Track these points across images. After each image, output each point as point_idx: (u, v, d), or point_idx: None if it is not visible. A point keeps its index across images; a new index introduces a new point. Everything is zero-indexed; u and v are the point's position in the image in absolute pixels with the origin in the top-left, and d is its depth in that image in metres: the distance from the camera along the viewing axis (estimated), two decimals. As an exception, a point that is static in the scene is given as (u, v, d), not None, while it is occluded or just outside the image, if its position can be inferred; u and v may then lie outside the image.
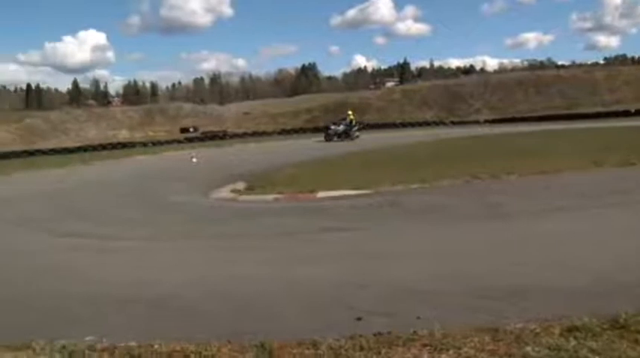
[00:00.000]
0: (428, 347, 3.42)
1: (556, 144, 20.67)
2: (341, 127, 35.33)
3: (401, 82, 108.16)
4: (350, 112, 37.05)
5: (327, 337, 3.67)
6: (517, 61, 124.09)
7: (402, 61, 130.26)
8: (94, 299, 5.40)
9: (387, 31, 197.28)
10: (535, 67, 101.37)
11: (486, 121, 49.77)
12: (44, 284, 6.26)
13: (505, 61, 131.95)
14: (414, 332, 3.68)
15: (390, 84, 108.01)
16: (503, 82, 66.67)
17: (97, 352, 3.66)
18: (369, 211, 9.68)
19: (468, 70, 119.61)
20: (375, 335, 3.70)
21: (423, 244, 6.94)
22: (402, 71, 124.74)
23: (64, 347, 3.75)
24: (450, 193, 10.77)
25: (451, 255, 6.24)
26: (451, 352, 3.32)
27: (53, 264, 7.29)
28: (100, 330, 4.12)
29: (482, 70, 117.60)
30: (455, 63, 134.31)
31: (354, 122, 35.99)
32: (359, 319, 4.16)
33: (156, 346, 3.67)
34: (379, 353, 3.39)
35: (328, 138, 34.52)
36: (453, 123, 51.71)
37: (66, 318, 4.88)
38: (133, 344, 3.73)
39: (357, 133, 35.25)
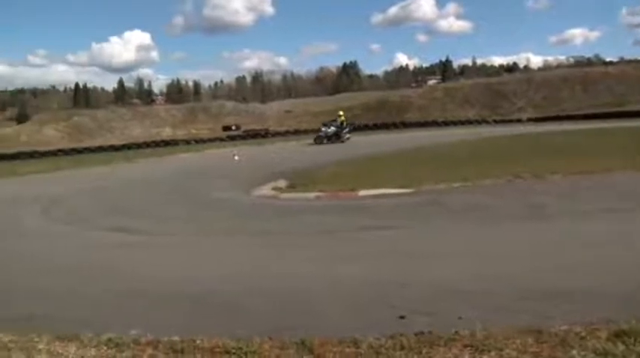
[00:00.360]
0: (469, 348, 3.38)
1: (603, 142, 20.15)
2: (331, 129, 33.91)
3: (443, 80, 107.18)
4: (341, 113, 35.75)
5: (367, 335, 3.66)
6: (562, 58, 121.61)
7: (444, 58, 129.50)
8: (139, 294, 5.52)
9: (428, 28, 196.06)
10: (581, 63, 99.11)
11: (529, 119, 48.97)
12: (93, 279, 6.42)
13: (550, 58, 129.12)
14: (456, 332, 3.64)
15: (431, 82, 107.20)
16: (548, 79, 65.46)
17: (141, 345, 3.73)
18: (410, 210, 9.63)
19: (512, 68, 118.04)
20: (416, 334, 3.68)
21: (464, 244, 6.86)
22: (444, 69, 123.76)
23: (110, 339, 3.85)
24: (493, 193, 10.62)
25: (493, 255, 6.16)
26: (493, 353, 3.28)
27: (100, 260, 7.46)
28: (144, 324, 4.20)
29: (526, 67, 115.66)
30: (498, 60, 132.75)
31: (344, 124, 34.99)
32: (402, 317, 4.15)
33: (198, 341, 3.73)
34: (420, 352, 3.37)
35: (318, 140, 33.17)
36: (496, 121, 50.98)
37: (112, 312, 4.99)
38: (175, 338, 3.79)
39: (348, 135, 34.10)
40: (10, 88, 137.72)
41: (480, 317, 3.92)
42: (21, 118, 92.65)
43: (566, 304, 4.22)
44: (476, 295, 4.64)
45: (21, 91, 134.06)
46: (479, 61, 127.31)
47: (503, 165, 14.04)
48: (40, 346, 3.72)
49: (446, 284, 5.02)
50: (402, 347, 3.47)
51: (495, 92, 64.07)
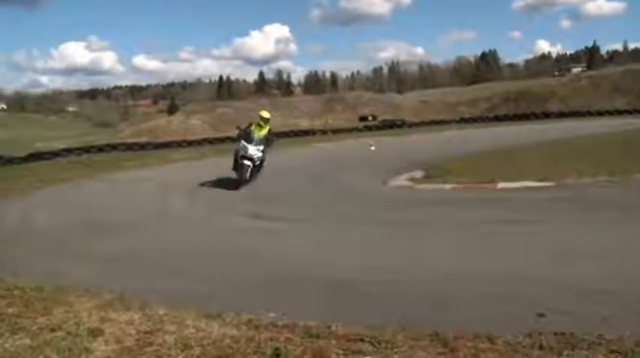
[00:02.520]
0: (616, 354, 3.17)
1: None
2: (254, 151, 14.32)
3: (589, 67, 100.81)
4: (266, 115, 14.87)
5: (503, 332, 3.58)
6: None
7: (590, 44, 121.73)
8: (278, 278, 5.77)
9: (574, 12, 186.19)
10: None
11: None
12: (231, 263, 6.78)
13: None
14: (600, 335, 3.44)
15: (576, 70, 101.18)
16: None
17: (278, 328, 3.88)
18: (552, 204, 9.20)
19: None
20: (555, 334, 3.53)
21: (609, 242, 6.41)
22: (590, 56, 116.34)
23: (249, 320, 4.04)
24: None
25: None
26: (643, 361, 3.06)
27: (244, 245, 7.86)
28: (279, 307, 4.39)
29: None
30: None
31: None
32: (541, 315, 4.01)
33: (333, 327, 3.81)
34: (560, 354, 3.22)
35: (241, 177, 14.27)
36: (649, 111, 47.16)
37: (251, 295, 5.25)
38: (311, 323, 3.91)
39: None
40: (163, 83, 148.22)
41: (629, 322, 3.69)
42: (171, 109, 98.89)
43: None
44: (620, 298, 4.36)
45: (171, 85, 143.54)
46: (631, 46, 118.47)
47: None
48: (188, 321, 3.99)
49: (588, 284, 4.76)
50: (541, 347, 3.34)
51: (649, 79, 59.22)
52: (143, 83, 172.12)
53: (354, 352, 3.40)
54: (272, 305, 4.48)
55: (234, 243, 8.07)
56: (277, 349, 3.43)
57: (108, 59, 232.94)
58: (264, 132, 14.23)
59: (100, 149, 42.72)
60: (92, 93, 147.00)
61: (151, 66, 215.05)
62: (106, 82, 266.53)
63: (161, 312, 4.19)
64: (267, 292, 5.31)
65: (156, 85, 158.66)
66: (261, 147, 14.00)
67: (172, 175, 19.62)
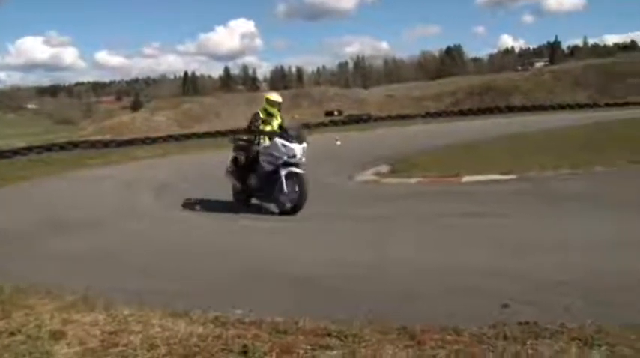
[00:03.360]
0: (577, 341, 3.24)
1: None
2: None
3: (551, 62, 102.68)
4: (276, 98, 10.37)
5: (469, 324, 3.62)
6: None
7: (552, 39, 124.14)
8: (244, 275, 5.74)
9: (536, 8, 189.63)
10: None
11: (646, 102, 46.06)
12: (205, 259, 6.74)
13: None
14: (562, 324, 3.51)
15: (538, 64, 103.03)
16: (670, 58, 61.06)
17: (245, 324, 3.86)
18: (514, 197, 9.36)
19: (627, 47, 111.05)
20: (519, 324, 3.59)
21: (570, 233, 6.54)
22: (552, 51, 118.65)
23: (217, 318, 4.02)
24: (604, 180, 10.12)
25: (600, 246, 5.85)
26: (603, 348, 3.13)
27: (210, 241, 7.80)
28: (247, 304, 4.34)
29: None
30: (612, 39, 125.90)
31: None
32: (505, 306, 4.07)
33: (300, 323, 3.81)
34: (524, 343, 3.27)
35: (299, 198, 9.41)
36: (609, 105, 48.23)
37: (219, 291, 5.22)
38: (278, 319, 3.89)
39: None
40: (127, 79, 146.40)
41: (589, 311, 3.79)
42: (135, 106, 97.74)
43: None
44: (584, 288, 4.44)
45: (135, 81, 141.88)
46: (591, 41, 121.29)
47: (616, 150, 13.31)
48: (154, 320, 3.94)
49: (551, 275, 4.85)
50: (505, 337, 3.38)
51: (609, 74, 60.58)
52: (106, 79, 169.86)
53: (321, 347, 3.40)
54: (239, 301, 4.44)
55: (200, 240, 8.00)
56: (245, 346, 3.41)
57: (69, 55, 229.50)
58: (278, 122, 10.24)
59: (62, 147, 41.99)
60: (53, 90, 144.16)
61: (114, 62, 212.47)
62: (67, 79, 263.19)
63: (126, 312, 4.13)
64: (235, 288, 5.28)
65: (119, 82, 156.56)
66: (305, 146, 9.62)
67: (137, 173, 19.39)
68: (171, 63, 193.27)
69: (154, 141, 46.41)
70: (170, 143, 43.05)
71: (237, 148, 10.46)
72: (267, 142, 9.75)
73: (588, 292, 4.33)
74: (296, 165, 9.34)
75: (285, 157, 9.24)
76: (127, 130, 61.98)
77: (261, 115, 10.00)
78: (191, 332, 3.67)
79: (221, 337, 3.58)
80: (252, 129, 9.98)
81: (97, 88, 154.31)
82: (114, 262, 6.81)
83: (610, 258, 5.35)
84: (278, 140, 9.34)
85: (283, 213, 9.24)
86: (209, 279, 5.70)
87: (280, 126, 10.09)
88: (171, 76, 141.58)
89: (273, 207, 9.65)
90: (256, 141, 9.97)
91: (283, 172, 9.24)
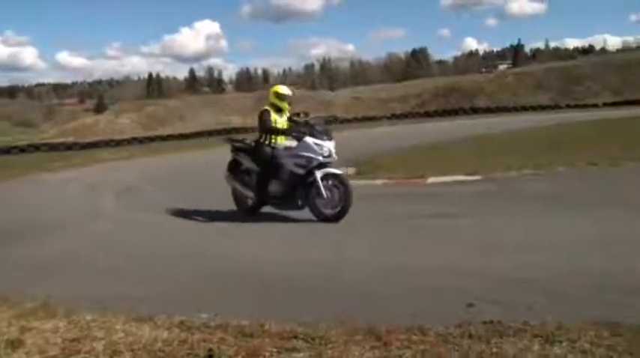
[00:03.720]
0: (539, 338, 3.32)
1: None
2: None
3: (514, 64, 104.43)
4: (285, 91, 9.15)
5: (435, 324, 3.65)
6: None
7: (515, 42, 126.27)
8: (207, 278, 5.68)
9: (499, 11, 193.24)
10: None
11: (605, 104, 47.23)
12: (169, 262, 6.64)
13: (630, 38, 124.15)
14: (525, 322, 3.59)
15: (502, 67, 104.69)
16: (627, 61, 62.66)
17: (211, 328, 3.83)
18: (479, 197, 9.48)
19: (587, 50, 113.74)
20: (484, 323, 3.64)
21: (534, 233, 6.69)
22: (515, 53, 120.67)
23: (182, 322, 3.98)
24: (566, 180, 10.33)
25: (562, 245, 5.98)
26: (564, 344, 3.21)
27: (174, 244, 7.70)
28: (211, 306, 4.33)
29: (603, 49, 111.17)
30: (572, 43, 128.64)
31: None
32: (470, 305, 4.11)
33: (266, 326, 3.79)
34: (488, 342, 3.33)
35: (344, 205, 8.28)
36: (569, 106, 49.37)
37: (184, 295, 5.16)
38: (244, 322, 3.87)
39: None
40: (89, 80, 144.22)
41: (551, 308, 3.86)
42: (99, 108, 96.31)
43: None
44: (546, 286, 4.52)
45: (98, 83, 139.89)
46: (552, 44, 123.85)
47: (577, 152, 13.59)
48: (118, 326, 3.88)
49: (514, 274, 4.92)
50: (470, 336, 3.44)
51: (569, 76, 61.98)
52: (68, 81, 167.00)
53: (287, 349, 3.40)
54: (204, 305, 4.40)
55: (165, 243, 7.87)
56: (210, 350, 3.39)
57: (28, 55, 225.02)
58: (286, 117, 9.16)
59: (22, 150, 41.31)
60: (11, 91, 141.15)
61: (75, 63, 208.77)
62: (26, 79, 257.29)
63: (88, 318, 4.05)
64: (200, 292, 5.20)
65: (82, 83, 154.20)
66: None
67: (101, 175, 19.07)
68: (135, 64, 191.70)
69: (118, 143, 45.96)
70: (135, 145, 42.59)
71: (238, 150, 9.34)
72: (286, 142, 8.73)
73: (550, 290, 4.41)
74: (331, 164, 8.49)
75: (321, 158, 8.26)
76: (91, 133, 61.11)
77: (272, 113, 8.84)
78: (156, 338, 3.62)
79: (186, 341, 3.55)
80: (272, 130, 8.75)
81: (59, 89, 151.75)
82: (77, 267, 6.64)
83: (572, 256, 5.46)
84: (309, 139, 8.33)
85: (325, 220, 8.14)
86: (174, 283, 5.60)
87: (289, 119, 9.13)
88: (135, 78, 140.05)
89: (310, 214, 8.39)
90: (267, 142, 8.81)
91: (319, 175, 8.18)
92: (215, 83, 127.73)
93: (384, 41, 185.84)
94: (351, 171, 14.49)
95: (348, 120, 53.19)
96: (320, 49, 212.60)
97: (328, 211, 8.17)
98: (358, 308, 4.31)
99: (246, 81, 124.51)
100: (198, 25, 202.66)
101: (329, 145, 8.40)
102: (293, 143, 8.52)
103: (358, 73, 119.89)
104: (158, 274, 6.03)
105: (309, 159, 8.24)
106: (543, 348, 3.20)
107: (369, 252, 6.38)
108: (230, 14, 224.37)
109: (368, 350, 3.34)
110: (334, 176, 8.27)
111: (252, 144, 9.09)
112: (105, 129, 64.25)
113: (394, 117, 54.00)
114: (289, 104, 9.12)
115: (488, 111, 52.11)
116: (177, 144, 36.48)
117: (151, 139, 48.33)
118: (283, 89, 9.15)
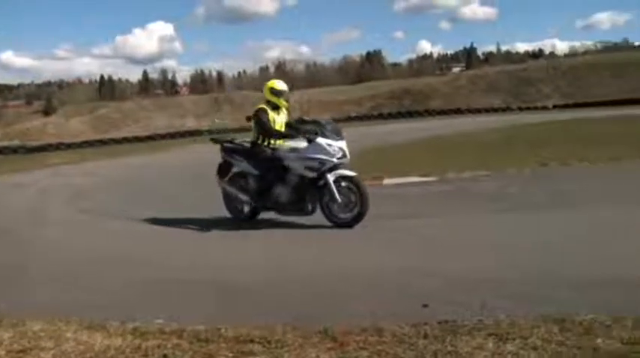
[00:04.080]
0: (493, 337, 3.36)
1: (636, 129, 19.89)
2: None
3: (467, 67, 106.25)
4: (280, 86, 8.56)
5: (391, 324, 3.66)
6: (589, 43, 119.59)
7: (468, 46, 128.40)
8: (163, 283, 5.57)
9: (452, 15, 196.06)
10: (610, 48, 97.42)
11: (555, 106, 48.54)
12: (122, 268, 6.49)
13: (576, 43, 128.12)
14: (479, 320, 3.64)
15: (456, 69, 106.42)
16: (575, 65, 64.65)
17: (166, 334, 3.76)
18: (435, 198, 9.63)
19: (537, 54, 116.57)
20: (439, 323, 3.67)
21: (488, 233, 6.80)
22: (468, 56, 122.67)
23: (135, 328, 3.89)
24: (517, 181, 10.54)
25: (516, 244, 6.09)
26: (517, 342, 3.26)
27: (126, 249, 7.54)
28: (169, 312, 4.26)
29: (552, 53, 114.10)
30: (523, 47, 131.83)
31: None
32: (425, 306, 4.15)
33: (222, 330, 3.75)
34: (443, 341, 3.35)
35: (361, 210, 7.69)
36: (521, 109, 50.65)
37: (133, 300, 5.05)
38: (200, 327, 3.82)
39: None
40: (37, 82, 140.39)
41: (504, 306, 3.92)
42: (48, 110, 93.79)
43: (591, 294, 4.18)
44: (499, 285, 4.61)
45: (47, 84, 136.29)
46: (503, 48, 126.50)
47: (528, 153, 13.90)
48: (68, 334, 3.77)
49: (468, 273, 4.99)
50: (426, 336, 3.46)
51: (520, 79, 63.65)
52: (14, 82, 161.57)
53: (244, 353, 3.37)
54: (156, 310, 4.32)
55: (118, 247, 7.68)
56: (165, 356, 3.34)
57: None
58: (285, 118, 8.58)
59: (-38, 154, 39.91)
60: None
61: (21, 63, 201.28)
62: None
63: (37, 328, 3.92)
64: (152, 297, 5.10)
65: (29, 84, 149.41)
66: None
67: (50, 180, 18.58)
68: (86, 66, 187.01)
69: (68, 146, 44.86)
70: (86, 149, 41.69)
71: (229, 151, 8.69)
72: (291, 143, 7.99)
73: (503, 287, 4.50)
74: (343, 166, 7.94)
75: (335, 159, 7.72)
76: (39, 136, 59.63)
77: (268, 111, 8.22)
78: (108, 345, 3.54)
79: (140, 348, 3.48)
80: (276, 134, 8.15)
81: (4, 90, 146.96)
82: (24, 274, 6.42)
83: (524, 255, 5.59)
84: (322, 140, 7.69)
85: (343, 225, 7.58)
86: (126, 288, 5.47)
87: (288, 124, 8.40)
88: (87, 80, 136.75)
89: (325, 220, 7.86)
90: (265, 143, 8.19)
91: (332, 178, 7.63)
92: (169, 85, 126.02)
93: (338, 43, 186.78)
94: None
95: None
96: (275, 51, 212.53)
97: (345, 215, 7.63)
98: (316, 310, 4.30)
99: (201, 83, 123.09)
100: (151, 26, 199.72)
101: (341, 145, 7.87)
102: (300, 144, 7.83)
103: (313, 76, 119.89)
104: (109, 280, 5.87)
105: (323, 162, 7.67)
106: (497, 346, 3.24)
107: (328, 254, 6.40)
108: (184, 15, 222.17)
109: (324, 351, 3.33)
110: (348, 178, 7.73)
111: (247, 144, 8.53)
112: (54, 133, 62.84)
113: (349, 119, 54.27)
114: (286, 101, 8.52)
115: (443, 113, 52.97)
116: (130, 148, 35.86)
117: (104, 142, 47.47)
118: (279, 84, 8.47)
